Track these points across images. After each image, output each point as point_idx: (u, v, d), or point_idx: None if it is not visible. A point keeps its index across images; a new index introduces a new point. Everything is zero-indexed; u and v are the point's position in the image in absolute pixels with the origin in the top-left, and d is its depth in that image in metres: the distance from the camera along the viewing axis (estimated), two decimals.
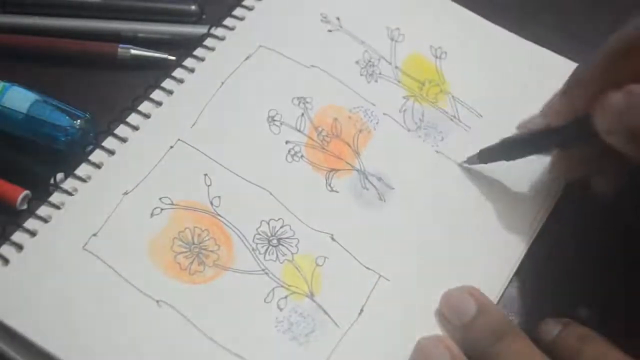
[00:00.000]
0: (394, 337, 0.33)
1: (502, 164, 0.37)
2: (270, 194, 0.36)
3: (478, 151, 0.37)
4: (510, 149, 0.36)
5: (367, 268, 0.35)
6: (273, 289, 0.34)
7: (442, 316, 0.34)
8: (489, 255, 0.36)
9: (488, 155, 0.37)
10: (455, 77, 0.42)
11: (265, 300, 0.34)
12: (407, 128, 0.40)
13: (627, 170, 0.35)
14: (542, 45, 0.43)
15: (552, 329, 0.33)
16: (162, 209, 0.35)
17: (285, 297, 0.34)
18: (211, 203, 0.35)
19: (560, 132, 0.35)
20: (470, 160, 0.38)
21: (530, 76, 0.42)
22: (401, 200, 0.37)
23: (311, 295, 0.34)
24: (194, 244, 0.34)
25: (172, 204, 0.35)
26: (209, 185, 0.36)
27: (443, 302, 0.34)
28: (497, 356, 0.31)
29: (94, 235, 0.34)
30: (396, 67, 0.41)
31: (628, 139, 0.31)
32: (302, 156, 0.38)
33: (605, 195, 0.36)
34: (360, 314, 0.34)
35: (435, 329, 0.33)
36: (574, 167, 0.37)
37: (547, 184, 0.38)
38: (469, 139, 0.40)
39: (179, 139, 0.37)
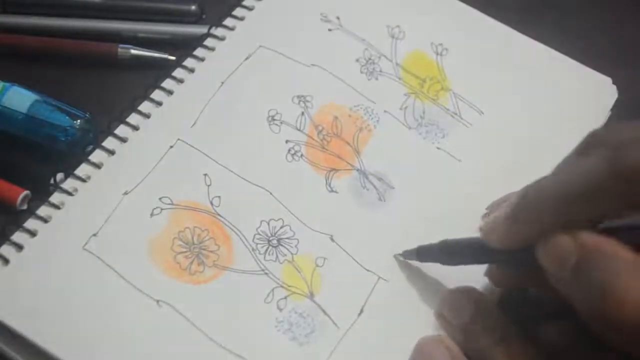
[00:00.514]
0: (393, 338, 0.33)
1: None
2: (270, 194, 0.36)
3: (416, 247, 0.35)
4: (449, 254, 0.33)
5: (367, 269, 0.35)
6: (273, 289, 0.34)
7: (442, 316, 0.34)
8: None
9: (426, 254, 0.34)
10: (456, 74, 0.41)
11: (265, 301, 0.33)
12: (408, 125, 0.39)
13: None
14: (543, 43, 0.43)
15: (550, 331, 0.33)
16: (162, 209, 0.35)
17: (285, 297, 0.34)
18: (211, 203, 0.35)
19: (502, 254, 0.31)
20: (407, 254, 0.35)
21: (532, 73, 0.42)
22: (401, 200, 0.37)
23: (311, 296, 0.34)
24: (193, 244, 0.34)
25: (172, 203, 0.35)
26: (208, 185, 0.36)
27: (442, 302, 0.34)
28: (496, 356, 0.31)
29: (94, 235, 0.34)
30: (397, 65, 0.41)
31: (584, 299, 0.27)
32: (302, 155, 0.38)
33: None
34: (360, 314, 0.34)
35: (435, 329, 0.33)
36: (511, 280, 0.33)
37: None
38: (470, 136, 0.39)
39: (179, 139, 0.37)
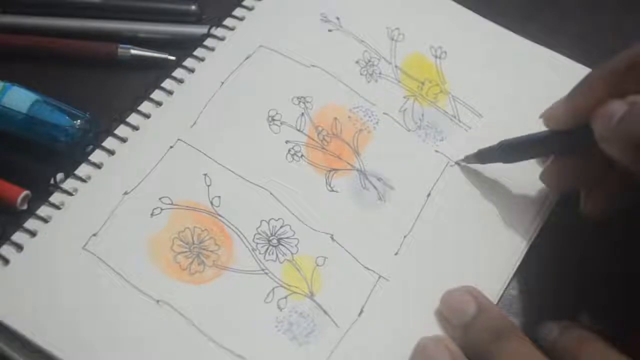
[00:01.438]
0: (393, 337, 0.33)
1: (501, 165, 0.37)
2: (271, 193, 0.36)
3: (476, 151, 0.37)
4: (509, 151, 0.36)
5: (367, 268, 0.35)
6: (273, 289, 0.34)
7: (442, 316, 0.34)
8: (489, 256, 0.36)
9: (486, 155, 0.37)
10: (455, 76, 0.42)
11: (265, 300, 0.34)
12: (407, 128, 0.40)
13: (618, 195, 0.35)
14: (542, 45, 0.43)
15: (551, 331, 0.33)
16: (162, 209, 0.35)
17: (285, 297, 0.34)
18: (211, 203, 0.35)
19: (560, 138, 0.35)
20: (468, 159, 0.38)
21: (531, 75, 0.42)
22: (401, 200, 0.37)
23: (311, 295, 0.34)
24: (193, 244, 0.34)
25: (172, 204, 0.35)
26: (209, 185, 0.36)
27: (443, 302, 0.34)
28: (496, 356, 0.31)
29: (94, 235, 0.34)
30: (396, 67, 0.41)
31: (624, 149, 0.30)
32: (302, 156, 0.38)
33: (593, 219, 0.36)
34: (360, 314, 0.34)
35: (435, 329, 0.33)
36: (566, 179, 0.37)
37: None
38: (469, 138, 0.39)
39: (179, 139, 0.37)
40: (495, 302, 0.35)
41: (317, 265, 0.35)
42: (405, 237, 0.36)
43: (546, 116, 0.36)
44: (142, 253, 0.34)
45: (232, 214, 0.35)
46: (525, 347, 0.32)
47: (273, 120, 0.38)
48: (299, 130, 0.38)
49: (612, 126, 0.31)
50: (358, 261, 0.35)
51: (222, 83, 0.39)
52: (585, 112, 0.33)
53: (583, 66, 0.42)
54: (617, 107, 0.31)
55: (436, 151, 0.39)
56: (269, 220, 0.35)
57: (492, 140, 0.38)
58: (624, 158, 0.31)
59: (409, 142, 0.39)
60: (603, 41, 0.45)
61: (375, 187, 0.37)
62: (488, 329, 0.32)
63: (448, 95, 0.41)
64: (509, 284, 0.36)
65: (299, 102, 0.39)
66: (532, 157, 0.37)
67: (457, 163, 0.38)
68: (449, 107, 0.41)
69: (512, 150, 0.36)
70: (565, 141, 0.35)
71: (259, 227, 0.35)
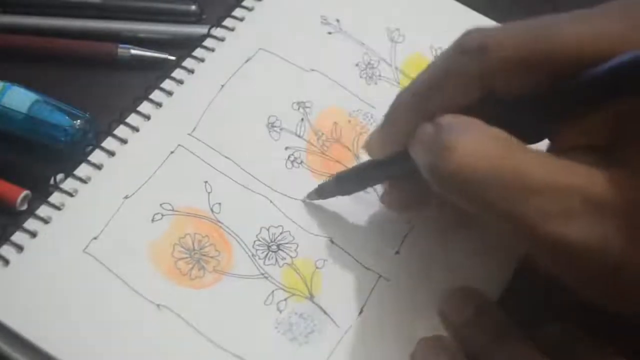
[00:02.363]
0: (394, 337, 0.34)
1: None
2: (271, 201, 0.36)
3: (316, 187, 0.36)
4: (343, 183, 0.35)
5: (367, 268, 0.35)
6: (273, 292, 0.34)
7: (442, 315, 0.34)
8: (489, 255, 0.36)
9: (325, 190, 0.36)
10: None
11: (265, 303, 0.34)
12: None
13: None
14: None
15: (551, 331, 0.33)
16: (163, 215, 0.35)
17: (285, 299, 0.34)
18: (212, 210, 0.35)
19: (384, 166, 0.33)
20: (310, 196, 0.36)
21: None
22: None
23: (311, 297, 0.34)
24: (194, 250, 0.34)
25: (173, 210, 0.35)
26: (209, 192, 0.36)
27: (443, 301, 0.34)
28: (496, 356, 0.32)
29: (95, 238, 0.34)
30: (396, 69, 0.41)
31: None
32: (302, 162, 0.38)
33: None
34: (360, 313, 0.34)
35: (435, 329, 0.33)
36: (405, 200, 0.34)
37: None
38: None
39: (179, 145, 0.37)
40: (495, 302, 0.35)
41: (317, 267, 0.35)
42: (405, 236, 0.36)
43: (365, 146, 0.34)
44: (143, 258, 0.34)
45: (233, 221, 0.35)
46: (525, 346, 0.32)
47: (273, 126, 0.38)
48: (298, 136, 0.38)
49: (426, 154, 0.28)
50: (358, 261, 0.35)
51: (222, 86, 0.39)
52: (399, 138, 0.30)
53: None
54: (427, 132, 0.27)
55: None
56: (269, 228, 0.35)
57: None
58: (425, 170, 0.28)
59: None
60: None
61: (374, 189, 0.37)
62: (488, 329, 0.32)
63: None
64: (509, 284, 0.36)
65: (299, 107, 0.39)
66: (367, 186, 0.36)
67: (302, 201, 0.36)
68: None
69: (346, 182, 0.35)
70: (390, 168, 0.33)
71: (259, 233, 0.35)
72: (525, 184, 0.25)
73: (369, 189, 0.37)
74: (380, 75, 0.41)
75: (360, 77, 0.41)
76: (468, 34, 0.29)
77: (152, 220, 0.35)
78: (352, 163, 0.38)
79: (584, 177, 0.26)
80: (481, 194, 0.26)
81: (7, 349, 0.32)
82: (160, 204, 0.35)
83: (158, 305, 0.33)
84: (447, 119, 0.27)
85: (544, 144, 0.30)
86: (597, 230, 0.25)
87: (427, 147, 0.27)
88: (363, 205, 0.37)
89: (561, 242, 0.25)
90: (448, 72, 0.29)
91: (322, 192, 0.36)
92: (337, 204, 0.36)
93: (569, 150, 0.28)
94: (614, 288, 0.27)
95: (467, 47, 0.28)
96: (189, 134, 0.37)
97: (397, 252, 0.36)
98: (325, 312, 0.34)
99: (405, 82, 0.41)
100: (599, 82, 0.26)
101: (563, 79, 0.27)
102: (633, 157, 0.27)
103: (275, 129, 0.38)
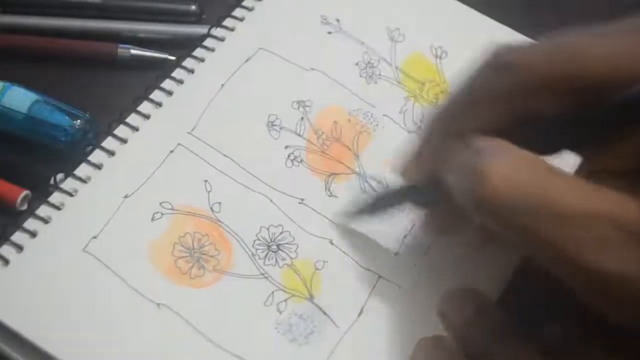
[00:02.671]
0: (393, 338, 0.34)
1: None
2: (270, 200, 0.36)
3: (344, 211, 0.35)
4: (374, 207, 0.34)
5: (367, 269, 0.35)
6: (272, 292, 0.34)
7: (442, 315, 0.34)
8: (490, 255, 0.36)
9: (356, 214, 0.35)
10: (456, 76, 0.41)
11: (264, 304, 0.34)
12: (407, 129, 0.40)
13: None
14: None
15: (552, 332, 0.33)
16: (162, 214, 0.35)
17: (285, 300, 0.34)
18: (211, 209, 0.35)
19: (417, 192, 0.32)
20: (340, 218, 0.36)
21: None
22: None
23: (311, 298, 0.34)
24: (194, 249, 0.34)
25: (173, 209, 0.35)
26: (209, 191, 0.36)
27: (443, 301, 0.34)
28: (496, 356, 0.31)
29: (94, 237, 0.34)
30: (396, 68, 0.41)
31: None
32: (301, 161, 0.38)
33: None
34: (360, 314, 0.34)
35: (435, 330, 0.33)
36: (446, 225, 0.33)
37: None
38: None
39: (179, 144, 0.37)
40: (495, 302, 0.35)
41: (317, 269, 0.35)
42: (405, 237, 0.36)
43: (402, 172, 0.33)
44: (143, 257, 0.34)
45: (232, 220, 0.35)
46: (526, 347, 0.32)
47: (272, 125, 0.38)
48: (298, 135, 0.38)
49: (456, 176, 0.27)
50: (357, 263, 0.35)
51: (222, 86, 0.39)
52: (432, 162, 0.30)
53: None
54: (463, 157, 0.27)
55: None
56: (269, 227, 0.35)
57: None
58: (462, 197, 0.27)
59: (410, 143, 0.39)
60: None
61: (374, 190, 0.37)
62: (488, 329, 0.32)
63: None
64: (509, 284, 0.36)
65: (299, 106, 0.39)
66: (401, 211, 0.35)
67: (336, 223, 0.36)
68: None
69: (377, 205, 0.34)
70: (426, 193, 0.32)
71: (259, 233, 0.35)
72: (559, 211, 0.25)
73: (370, 191, 0.37)
74: (380, 75, 0.41)
75: (360, 76, 0.40)
76: (497, 52, 0.28)
77: (152, 219, 0.35)
78: (352, 162, 0.38)
79: (617, 204, 0.25)
80: (515, 220, 0.25)
81: (7, 349, 0.32)
82: (160, 203, 0.35)
83: (158, 305, 0.33)
84: (480, 142, 0.26)
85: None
86: (632, 258, 0.24)
87: (460, 171, 0.27)
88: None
89: (596, 271, 0.25)
90: (478, 91, 0.29)
91: (354, 214, 0.35)
92: (338, 206, 0.37)
93: (601, 173, 0.28)
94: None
95: (497, 66, 0.28)
96: (188, 133, 0.37)
97: (396, 254, 0.36)
98: (325, 313, 0.34)
99: (406, 81, 0.41)
100: (632, 104, 0.25)
101: (595, 100, 0.26)
102: None
103: (275, 127, 0.38)
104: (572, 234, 0.24)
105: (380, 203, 0.34)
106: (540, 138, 0.27)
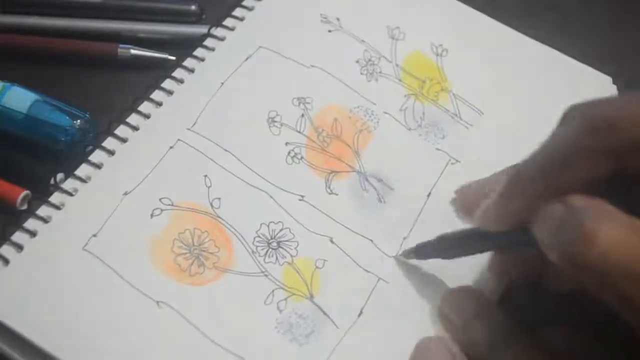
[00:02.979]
0: (393, 339, 0.33)
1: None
2: (270, 197, 0.36)
3: (414, 246, 0.35)
4: (447, 248, 0.34)
5: (366, 270, 0.35)
6: (273, 291, 0.34)
7: (443, 315, 0.34)
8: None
9: (425, 251, 0.34)
10: (456, 74, 0.41)
11: (265, 302, 0.33)
12: (408, 127, 0.39)
13: None
14: (543, 42, 0.43)
15: (552, 332, 0.33)
16: (162, 210, 0.35)
17: (285, 298, 0.34)
18: (211, 205, 0.35)
19: (499, 238, 0.31)
20: (406, 254, 0.35)
21: (532, 73, 0.42)
22: (401, 202, 0.37)
23: (311, 297, 0.34)
24: (194, 245, 0.34)
25: (172, 204, 0.35)
26: (209, 187, 0.36)
27: (444, 300, 0.34)
28: (497, 356, 0.31)
29: (94, 236, 0.34)
30: (397, 66, 0.41)
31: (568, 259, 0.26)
32: (302, 158, 0.38)
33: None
34: (359, 315, 0.34)
35: (435, 330, 0.33)
36: (517, 268, 0.34)
37: None
38: (470, 137, 0.39)
39: (178, 139, 0.37)
40: (496, 302, 0.35)
41: (317, 267, 0.35)
42: (405, 239, 0.36)
43: (480, 218, 0.32)
44: (143, 254, 0.34)
45: (232, 216, 0.35)
46: (527, 347, 0.31)
47: (273, 121, 0.38)
48: (299, 132, 0.38)
49: (553, 234, 0.27)
50: (357, 263, 0.35)
51: (222, 84, 0.39)
52: (522, 212, 0.29)
53: (583, 64, 0.42)
54: (557, 212, 0.27)
55: (437, 149, 0.39)
56: (269, 224, 0.35)
57: (493, 138, 0.38)
58: (563, 259, 0.27)
59: (410, 141, 0.39)
60: (603, 41, 0.45)
61: (375, 189, 0.37)
62: (490, 329, 0.32)
63: (449, 93, 0.41)
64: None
65: (299, 103, 0.39)
66: (472, 254, 0.33)
67: (395, 258, 0.35)
68: (450, 105, 0.40)
69: (450, 246, 0.33)
70: (504, 240, 0.31)
71: (259, 230, 0.35)
72: None
73: (370, 189, 0.37)
74: (380, 72, 0.41)
75: (361, 73, 0.40)
76: (594, 109, 0.28)
77: (152, 216, 0.35)
78: (352, 160, 0.38)
79: None
80: (621, 286, 0.25)
81: (7, 349, 0.32)
82: (160, 199, 0.35)
83: (158, 302, 0.33)
84: (580, 202, 0.26)
85: None
86: None
87: (559, 230, 0.26)
88: (363, 207, 0.37)
89: None
90: (578, 150, 0.28)
91: (420, 252, 0.34)
92: (338, 204, 0.36)
93: None
94: None
95: (598, 125, 0.27)
96: (188, 129, 0.37)
97: (396, 255, 0.35)
98: (325, 313, 0.34)
99: (406, 79, 0.41)
100: None
101: None
102: None
103: (275, 124, 0.38)
104: None
105: (450, 243, 0.33)
106: (636, 197, 0.27)
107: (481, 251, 0.33)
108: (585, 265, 0.26)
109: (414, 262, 0.35)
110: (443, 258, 0.34)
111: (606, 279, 0.25)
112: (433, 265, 0.35)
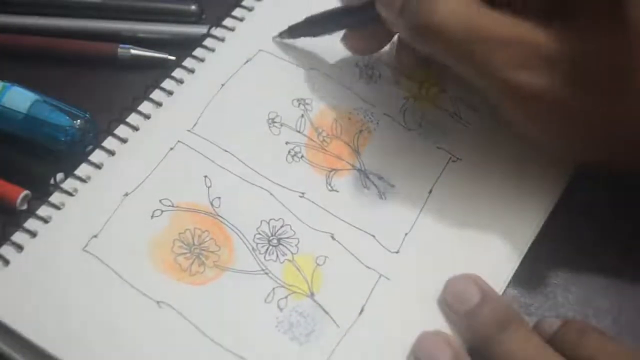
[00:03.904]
0: (394, 336, 0.33)
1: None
2: (271, 194, 0.36)
3: (287, 27, 0.40)
4: (313, 26, 0.39)
5: (368, 267, 0.35)
6: (273, 289, 0.34)
7: (446, 303, 0.34)
8: (491, 253, 0.36)
9: (296, 31, 0.40)
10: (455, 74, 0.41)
11: (265, 301, 0.34)
12: (408, 127, 0.40)
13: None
14: None
15: (551, 325, 0.33)
16: (162, 211, 0.35)
17: (286, 297, 0.34)
18: (211, 204, 0.35)
19: (352, 16, 0.38)
20: (281, 35, 0.40)
21: None
22: (402, 198, 0.37)
23: (311, 295, 0.34)
24: (194, 245, 0.34)
25: (173, 205, 0.35)
26: (209, 187, 0.36)
27: (447, 289, 0.34)
28: (500, 344, 0.31)
29: (94, 236, 0.34)
30: (395, 68, 0.41)
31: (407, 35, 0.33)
32: (302, 156, 0.38)
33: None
34: (360, 313, 0.34)
35: (436, 328, 0.33)
36: (365, 43, 0.39)
37: (552, 176, 0.38)
38: (470, 135, 0.39)
39: (179, 141, 0.37)
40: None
41: (318, 264, 0.35)
42: (406, 234, 0.36)
43: None
44: (143, 254, 0.34)
45: (232, 214, 0.35)
46: (529, 335, 0.32)
47: (273, 122, 0.38)
48: (298, 132, 0.38)
49: (394, 15, 0.33)
50: (359, 260, 0.35)
51: (222, 85, 0.39)
52: None
53: None
54: None
55: (438, 147, 0.39)
56: (269, 221, 0.35)
57: (494, 134, 0.38)
58: (408, 41, 0.34)
59: (410, 140, 0.39)
60: None
61: (376, 186, 0.37)
62: (492, 317, 0.32)
63: (447, 93, 0.41)
64: (509, 283, 0.36)
65: (299, 104, 0.39)
66: (333, 31, 0.39)
67: (273, 39, 0.40)
68: (450, 105, 0.41)
69: (315, 24, 0.39)
70: (359, 16, 0.37)
71: (259, 227, 0.35)
72: (491, 38, 0.31)
73: (371, 187, 0.37)
74: (380, 75, 0.41)
75: (360, 76, 0.41)
76: None
77: (152, 217, 0.35)
78: (352, 158, 0.38)
79: (535, 33, 0.31)
80: (455, 46, 0.31)
81: (7, 349, 0.32)
82: (160, 200, 0.35)
83: (158, 303, 0.33)
84: None
85: None
86: (542, 76, 0.31)
87: (400, 7, 0.32)
88: (364, 204, 0.37)
89: (516, 86, 0.31)
90: None
91: (293, 31, 0.40)
92: (338, 200, 0.36)
93: (524, 11, 0.32)
94: (556, 125, 0.33)
95: None
96: (188, 131, 0.37)
97: (397, 252, 0.36)
98: (325, 312, 0.34)
99: (405, 82, 0.41)
100: None
101: None
102: (580, 15, 0.31)
103: (275, 124, 0.38)
104: (499, 55, 0.31)
105: (316, 22, 0.39)
106: None
107: (340, 28, 0.39)
108: (426, 32, 0.32)
109: (289, 41, 0.40)
110: (312, 36, 0.40)
111: (446, 43, 0.31)
112: (434, 263, 0.35)
